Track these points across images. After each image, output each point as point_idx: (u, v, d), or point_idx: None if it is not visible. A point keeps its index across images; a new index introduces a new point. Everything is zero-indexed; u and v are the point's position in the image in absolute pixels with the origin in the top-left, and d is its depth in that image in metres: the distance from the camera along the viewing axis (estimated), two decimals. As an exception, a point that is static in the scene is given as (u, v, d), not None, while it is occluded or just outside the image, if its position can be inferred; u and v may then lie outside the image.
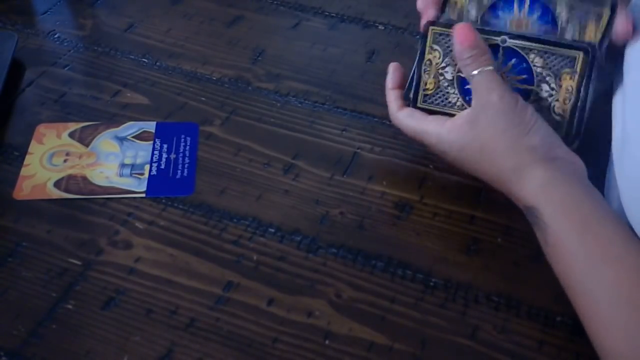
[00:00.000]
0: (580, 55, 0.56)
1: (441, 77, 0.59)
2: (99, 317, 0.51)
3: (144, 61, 0.73)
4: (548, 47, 0.56)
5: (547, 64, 0.56)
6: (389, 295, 0.53)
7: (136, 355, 0.49)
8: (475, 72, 0.55)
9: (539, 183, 0.51)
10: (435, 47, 0.59)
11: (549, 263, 0.50)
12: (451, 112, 0.58)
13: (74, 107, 0.68)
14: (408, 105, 0.60)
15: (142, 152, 0.63)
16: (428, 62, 0.59)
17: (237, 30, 0.78)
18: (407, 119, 0.59)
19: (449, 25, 0.58)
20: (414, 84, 0.60)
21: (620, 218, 0.50)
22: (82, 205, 0.58)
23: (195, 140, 0.64)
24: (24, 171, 0.61)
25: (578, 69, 0.56)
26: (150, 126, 0.65)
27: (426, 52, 0.59)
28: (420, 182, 0.61)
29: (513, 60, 0.57)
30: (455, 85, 0.59)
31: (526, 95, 0.57)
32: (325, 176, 0.61)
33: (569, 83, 0.56)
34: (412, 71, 0.60)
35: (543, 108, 0.57)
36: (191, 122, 0.66)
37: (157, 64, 0.73)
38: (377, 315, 0.51)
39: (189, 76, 0.72)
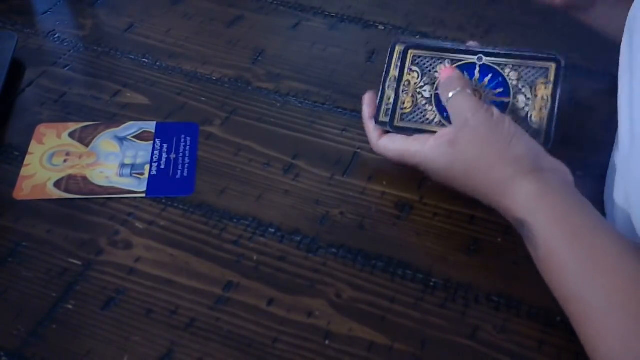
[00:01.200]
0: (552, 66, 0.58)
1: (419, 96, 0.60)
2: (99, 317, 0.51)
3: (144, 61, 0.73)
4: (521, 61, 0.59)
5: (521, 76, 0.59)
6: (389, 295, 0.53)
7: (136, 355, 0.49)
8: (450, 94, 0.57)
9: (528, 195, 0.51)
10: (414, 68, 0.61)
11: (542, 275, 0.50)
12: (429, 129, 0.59)
13: (74, 107, 0.68)
14: (384, 131, 0.61)
15: (142, 152, 0.63)
16: (407, 83, 0.61)
17: (237, 30, 0.78)
18: (389, 144, 0.59)
19: (426, 47, 0.61)
20: (383, 104, 0.61)
21: (612, 226, 0.50)
22: (82, 205, 0.58)
23: (195, 140, 0.64)
24: (24, 171, 0.61)
25: (552, 79, 0.58)
26: (150, 126, 0.65)
27: (404, 73, 0.61)
28: (420, 182, 0.61)
29: (489, 76, 0.59)
30: (433, 102, 0.60)
31: (504, 107, 0.59)
32: (325, 176, 0.61)
33: (544, 92, 0.58)
34: (379, 95, 0.62)
35: (520, 118, 0.58)
36: (191, 122, 0.66)
37: (157, 64, 0.73)
38: (377, 315, 0.51)
39: (189, 76, 0.72)
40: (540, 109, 0.58)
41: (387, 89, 0.61)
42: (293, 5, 0.82)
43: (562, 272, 0.48)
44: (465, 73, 0.59)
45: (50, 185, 0.60)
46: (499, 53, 0.60)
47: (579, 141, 0.62)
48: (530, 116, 0.58)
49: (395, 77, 0.61)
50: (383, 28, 0.78)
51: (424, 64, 0.61)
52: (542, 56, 0.59)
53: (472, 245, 0.56)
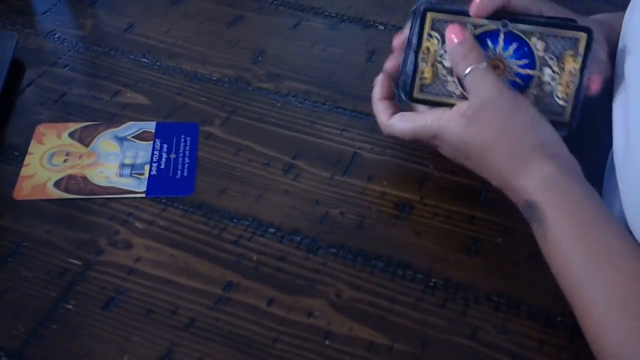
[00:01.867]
0: (583, 37, 0.54)
1: (439, 65, 0.57)
2: (99, 317, 0.51)
3: (144, 61, 0.73)
4: (550, 29, 0.55)
5: (549, 47, 0.55)
6: (389, 295, 0.53)
7: (136, 355, 0.49)
8: (467, 70, 0.55)
9: (542, 178, 0.50)
10: (434, 33, 0.56)
11: (546, 260, 0.50)
12: (450, 102, 0.57)
13: (74, 107, 0.68)
14: (393, 112, 0.59)
15: (142, 152, 0.63)
16: (426, 50, 0.57)
17: (237, 30, 0.78)
18: (402, 123, 0.58)
19: (448, 11, 0.56)
20: (407, 72, 0.57)
21: (619, 221, 0.50)
22: (82, 205, 0.58)
23: (195, 140, 0.64)
24: (24, 171, 0.61)
25: (581, 51, 0.55)
26: (150, 126, 0.65)
27: (423, 39, 0.57)
28: (420, 182, 0.61)
29: (514, 45, 0.56)
30: (455, 72, 0.57)
31: (528, 80, 0.56)
32: (325, 176, 0.61)
33: (572, 65, 0.55)
34: (403, 61, 0.58)
35: (546, 93, 0.56)
36: (191, 122, 0.66)
37: (157, 64, 0.73)
38: (377, 315, 0.51)
39: (189, 76, 0.72)
40: (567, 84, 0.55)
41: (411, 60, 0.57)
42: (293, 5, 0.82)
43: (567, 261, 0.48)
44: (489, 40, 0.55)
45: (50, 185, 0.60)
46: (525, 19, 0.55)
47: (579, 141, 0.62)
48: (557, 91, 0.55)
49: (428, 49, 0.57)
50: (383, 28, 0.78)
51: (445, 29, 0.56)
52: (572, 25, 0.54)
53: (472, 245, 0.56)
